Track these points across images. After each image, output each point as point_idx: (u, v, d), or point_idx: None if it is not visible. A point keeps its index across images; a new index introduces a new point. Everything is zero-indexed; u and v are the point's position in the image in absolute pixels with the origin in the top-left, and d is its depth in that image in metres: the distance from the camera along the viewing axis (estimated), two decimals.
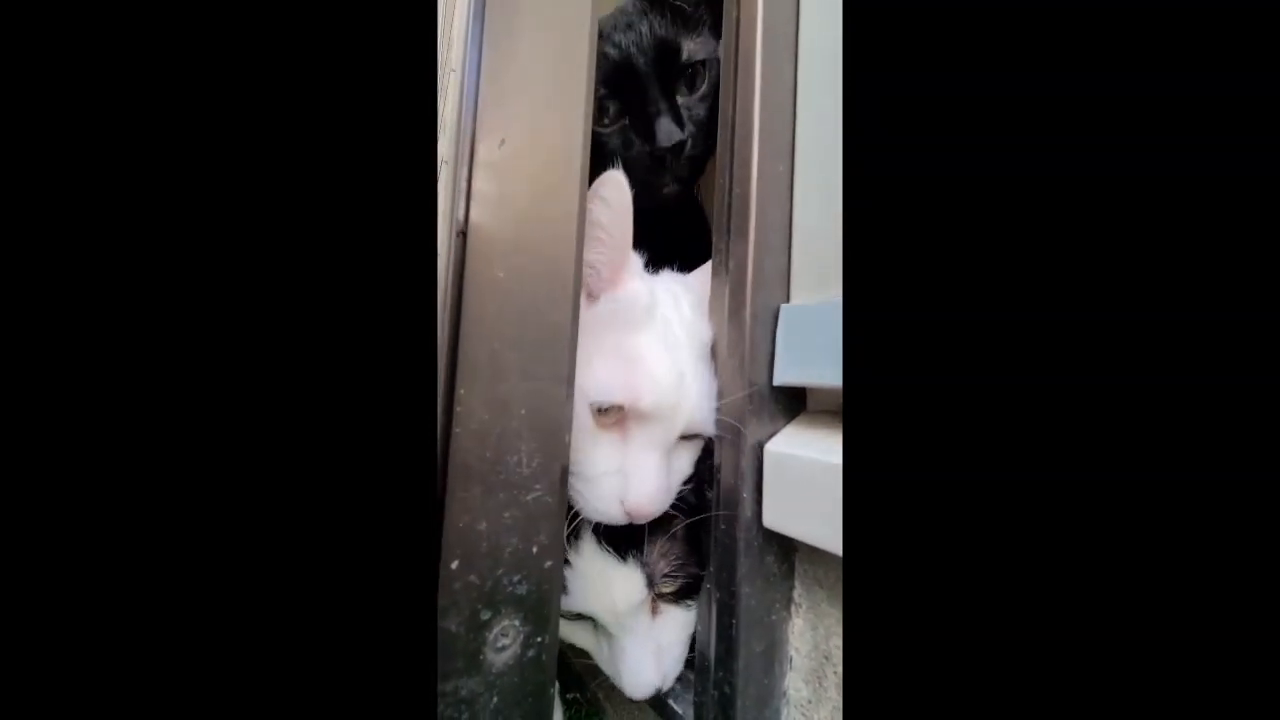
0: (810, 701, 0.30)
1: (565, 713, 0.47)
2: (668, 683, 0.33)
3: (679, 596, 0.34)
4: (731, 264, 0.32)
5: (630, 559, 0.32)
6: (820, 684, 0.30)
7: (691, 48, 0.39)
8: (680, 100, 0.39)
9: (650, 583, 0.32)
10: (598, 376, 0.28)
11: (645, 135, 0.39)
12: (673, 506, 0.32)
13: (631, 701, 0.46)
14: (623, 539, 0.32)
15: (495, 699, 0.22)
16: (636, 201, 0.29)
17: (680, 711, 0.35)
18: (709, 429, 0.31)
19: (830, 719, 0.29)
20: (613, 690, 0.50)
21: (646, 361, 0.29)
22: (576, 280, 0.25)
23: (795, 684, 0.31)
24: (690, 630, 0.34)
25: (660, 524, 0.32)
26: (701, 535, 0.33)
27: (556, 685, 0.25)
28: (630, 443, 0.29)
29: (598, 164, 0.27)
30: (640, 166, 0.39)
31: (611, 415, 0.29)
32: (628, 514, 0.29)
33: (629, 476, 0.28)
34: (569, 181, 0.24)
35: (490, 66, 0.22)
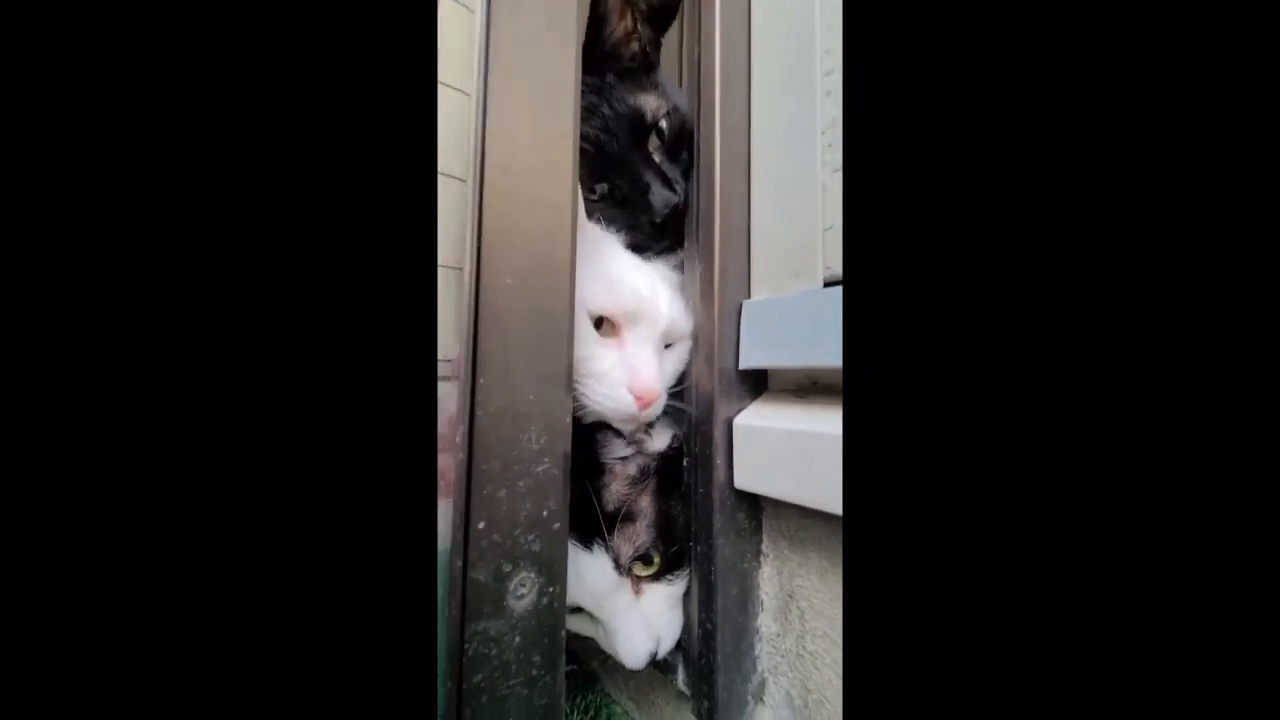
0: (778, 635, 0.36)
1: (565, 683, 0.51)
2: (663, 649, 0.37)
3: (659, 575, 0.37)
4: (700, 267, 0.38)
5: (595, 547, 0.35)
6: (786, 619, 0.36)
7: (654, 105, 0.40)
8: (657, 158, 0.41)
9: (617, 565, 0.35)
10: (591, 294, 0.35)
11: (643, 208, 0.39)
12: (628, 475, 0.37)
13: (624, 668, 0.51)
14: (588, 531, 0.35)
15: (518, 638, 0.27)
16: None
17: (670, 659, 0.40)
18: (685, 332, 0.39)
19: (794, 647, 0.35)
20: (605, 661, 0.55)
21: (625, 277, 0.37)
22: (571, 284, 0.29)
23: (766, 622, 0.37)
24: (675, 601, 0.38)
25: (623, 513, 0.36)
26: (665, 515, 0.38)
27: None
28: (626, 344, 0.36)
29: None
30: (642, 234, 0.40)
31: (606, 328, 0.37)
32: (636, 398, 0.35)
33: (632, 368, 0.35)
34: (562, 202, 0.29)
35: (495, 108, 0.26)
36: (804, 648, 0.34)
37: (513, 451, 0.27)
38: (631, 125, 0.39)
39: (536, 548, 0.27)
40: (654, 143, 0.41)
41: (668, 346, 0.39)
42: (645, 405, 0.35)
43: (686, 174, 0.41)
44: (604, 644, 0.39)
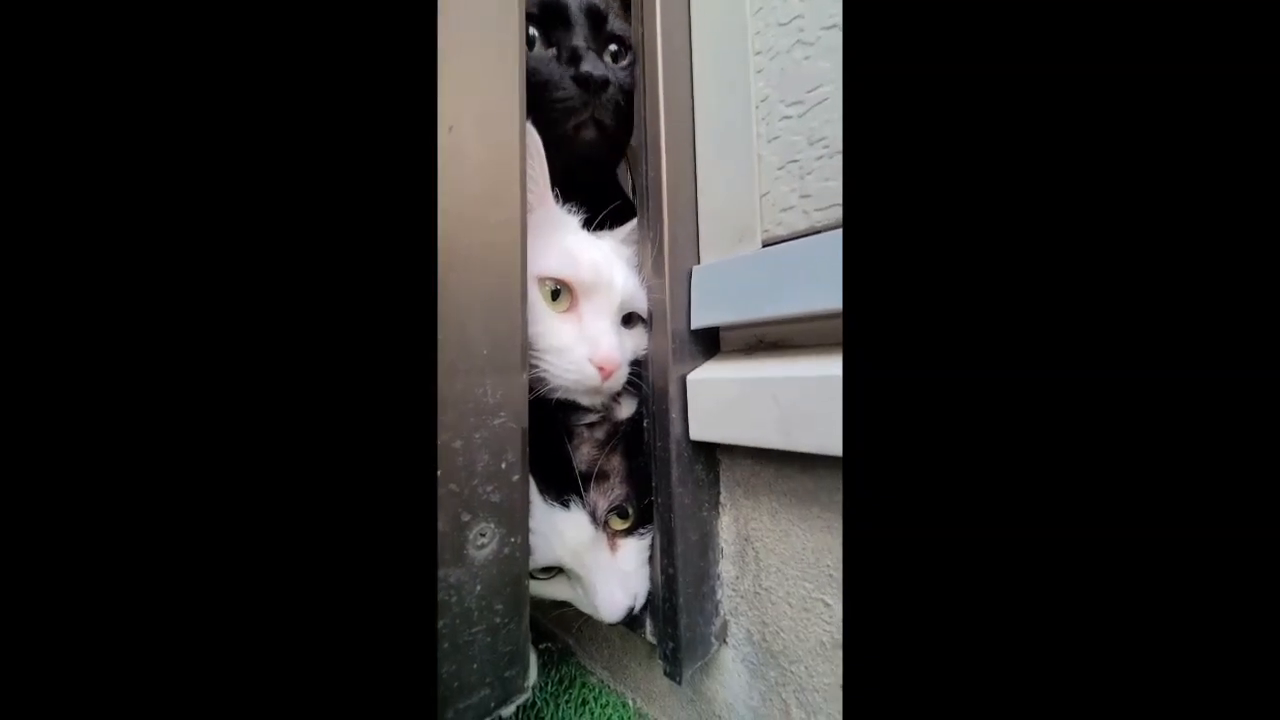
0: (737, 578, 0.38)
1: (540, 660, 0.51)
2: (639, 601, 0.38)
3: (631, 530, 0.39)
4: (652, 236, 0.39)
5: (573, 505, 0.37)
6: (743, 562, 0.38)
7: (615, 22, 0.43)
8: (605, 59, 0.43)
9: (594, 519, 0.37)
10: (547, 263, 0.36)
11: (571, 61, 0.40)
12: (597, 439, 0.39)
13: (597, 639, 0.52)
14: (564, 490, 0.37)
15: (479, 587, 0.27)
16: (565, 162, 0.38)
17: (638, 615, 0.41)
18: (641, 307, 0.40)
19: (751, 586, 0.37)
20: (580, 635, 0.55)
21: (578, 249, 0.38)
22: (522, 238, 0.30)
23: (725, 567, 0.39)
24: (647, 557, 0.39)
25: (596, 472, 0.38)
26: (636, 472, 0.39)
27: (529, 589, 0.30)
28: (584, 317, 0.37)
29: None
30: (563, 101, 0.40)
31: (563, 301, 0.38)
32: (599, 368, 0.35)
33: (592, 340, 0.36)
34: (509, 161, 0.30)
35: (439, 67, 0.27)
36: (760, 585, 0.36)
37: (468, 404, 0.27)
38: (593, 11, 0.42)
39: (496, 498, 0.28)
40: (607, 58, 0.43)
41: (627, 323, 0.41)
42: (608, 375, 0.36)
43: (627, 109, 0.43)
44: (581, 604, 0.39)
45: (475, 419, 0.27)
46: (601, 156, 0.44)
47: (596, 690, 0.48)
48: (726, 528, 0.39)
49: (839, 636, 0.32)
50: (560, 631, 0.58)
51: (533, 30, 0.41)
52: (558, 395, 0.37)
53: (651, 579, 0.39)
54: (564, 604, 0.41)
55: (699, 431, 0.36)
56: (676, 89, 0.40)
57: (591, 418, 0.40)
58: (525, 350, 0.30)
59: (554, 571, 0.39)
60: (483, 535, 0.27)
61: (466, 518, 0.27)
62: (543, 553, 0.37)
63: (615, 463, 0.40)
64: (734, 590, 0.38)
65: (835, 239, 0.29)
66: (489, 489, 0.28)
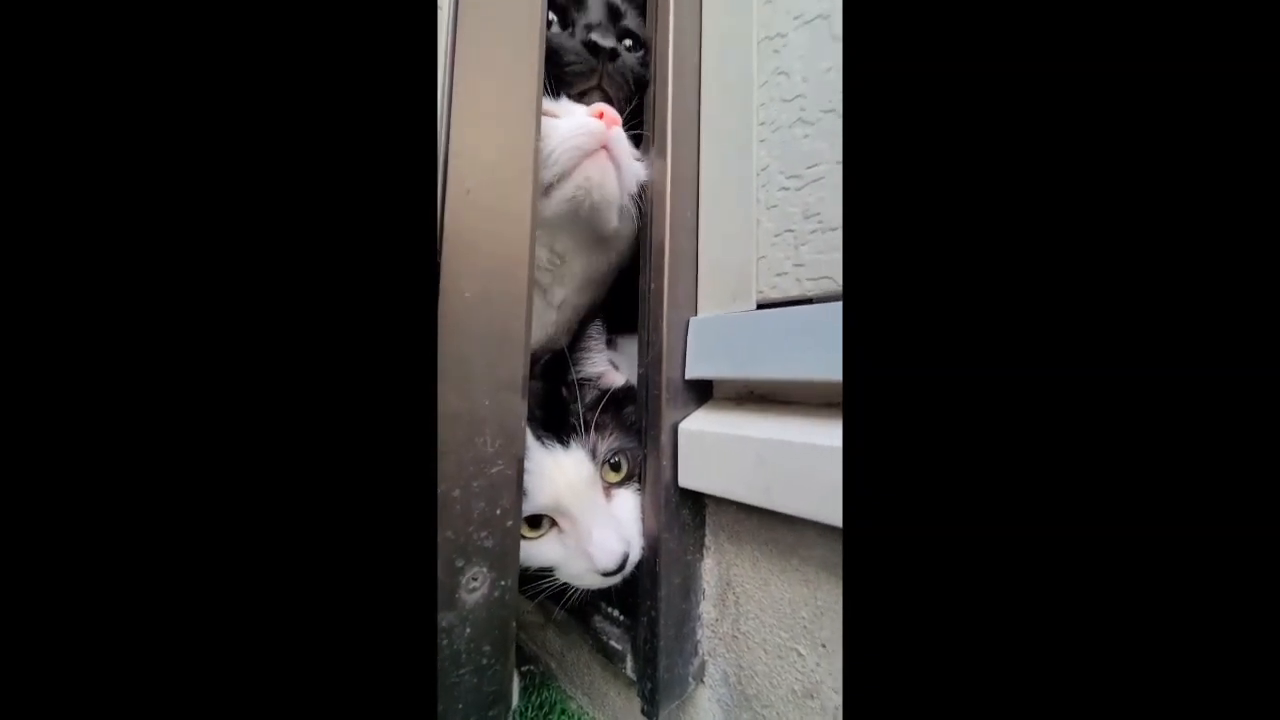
0: (717, 620, 0.40)
1: (521, 683, 0.52)
2: (633, 550, 0.38)
3: (625, 481, 0.41)
4: (652, 286, 0.41)
5: (573, 443, 0.38)
6: (724, 605, 0.39)
7: (630, 19, 0.45)
8: (618, 47, 0.44)
9: (594, 456, 0.39)
10: None
11: (585, 30, 0.43)
12: (587, 400, 0.40)
13: (579, 664, 0.53)
14: (564, 430, 0.38)
15: (469, 630, 0.28)
16: None
17: (620, 649, 0.42)
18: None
19: (730, 630, 0.39)
20: (563, 658, 0.56)
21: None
22: (528, 300, 0.32)
23: (706, 609, 0.40)
24: (638, 514, 0.40)
25: (594, 423, 0.40)
26: (626, 429, 0.41)
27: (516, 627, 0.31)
28: (576, 111, 0.41)
29: None
30: (570, 65, 0.42)
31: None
32: (599, 116, 0.39)
33: (589, 108, 0.40)
34: (521, 224, 0.31)
35: (458, 122, 0.29)
36: (738, 629, 0.38)
37: (468, 453, 0.28)
38: (609, 5, 0.44)
39: (489, 544, 0.29)
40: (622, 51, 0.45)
41: None
42: (611, 122, 0.39)
43: (636, 76, 0.45)
44: (570, 567, 0.39)
45: (474, 467, 0.29)
46: None
47: (576, 717, 0.49)
48: (709, 570, 0.40)
49: (810, 685, 0.33)
50: (543, 654, 0.59)
51: (550, 15, 0.43)
52: (566, 187, 0.38)
53: (637, 619, 0.40)
54: (547, 574, 0.40)
55: (687, 480, 0.38)
56: (683, 150, 0.42)
57: (586, 375, 0.43)
58: (527, 378, 0.31)
59: (543, 528, 0.39)
60: (475, 580, 0.29)
61: (460, 563, 0.28)
62: (538, 494, 0.36)
63: (607, 418, 0.41)
64: (713, 632, 0.40)
65: (826, 310, 0.31)
66: (483, 535, 0.29)
